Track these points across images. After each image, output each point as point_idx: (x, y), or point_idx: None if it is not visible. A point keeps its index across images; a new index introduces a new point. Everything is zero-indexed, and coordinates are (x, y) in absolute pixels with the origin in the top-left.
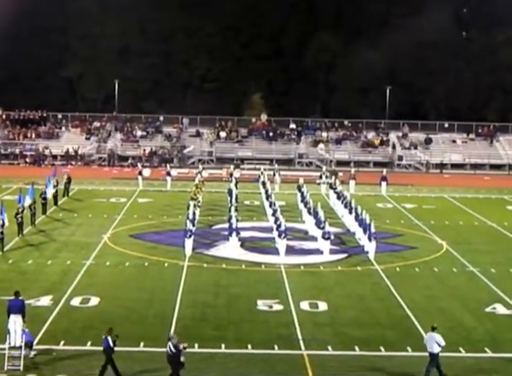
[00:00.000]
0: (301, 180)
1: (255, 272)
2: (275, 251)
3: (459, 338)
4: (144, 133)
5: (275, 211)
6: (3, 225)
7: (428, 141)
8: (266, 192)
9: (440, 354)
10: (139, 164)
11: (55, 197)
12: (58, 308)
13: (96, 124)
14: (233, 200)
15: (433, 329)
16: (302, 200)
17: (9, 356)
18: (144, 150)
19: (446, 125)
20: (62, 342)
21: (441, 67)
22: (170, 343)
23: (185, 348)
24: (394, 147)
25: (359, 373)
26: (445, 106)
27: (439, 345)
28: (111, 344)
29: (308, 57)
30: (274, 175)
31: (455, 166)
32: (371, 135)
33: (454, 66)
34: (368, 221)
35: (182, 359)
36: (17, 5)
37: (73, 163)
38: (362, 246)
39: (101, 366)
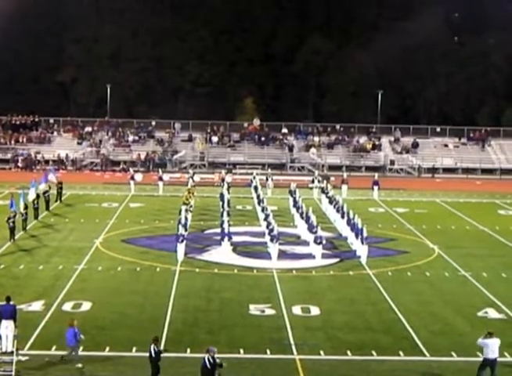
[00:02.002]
0: (293, 185)
1: (247, 276)
2: (268, 256)
3: (451, 343)
4: (136, 138)
5: (267, 216)
6: None
7: (415, 145)
8: (258, 197)
9: (432, 358)
10: (131, 169)
11: (47, 201)
12: (50, 313)
13: (88, 129)
14: (225, 204)
15: (491, 335)
16: (294, 205)
17: (0, 362)
18: (139, 155)
19: (438, 130)
20: (54, 347)
21: (432, 71)
22: (208, 356)
23: (221, 365)
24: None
25: None
26: (437, 110)
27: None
28: (152, 353)
29: (299, 61)
30: (267, 179)
31: (447, 170)
32: (363, 139)
33: (445, 70)
34: (360, 225)
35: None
36: (12, 8)
37: (64, 168)
38: (354, 250)
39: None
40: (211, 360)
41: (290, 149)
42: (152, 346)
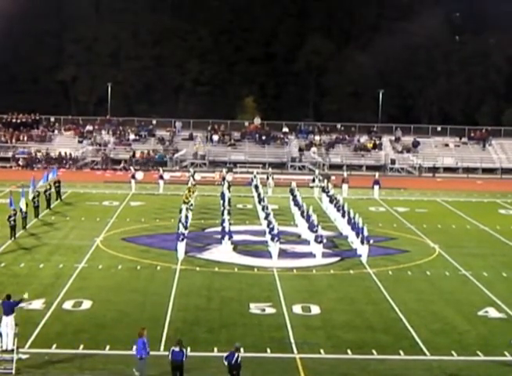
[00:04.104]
0: (294, 184)
1: (248, 275)
2: (268, 255)
3: (451, 342)
4: (137, 137)
5: (267, 215)
6: None
7: (416, 144)
8: (259, 195)
9: (432, 357)
10: (132, 168)
11: (48, 200)
12: (50, 311)
13: (89, 127)
14: (226, 203)
15: None
16: (295, 204)
17: (0, 360)
18: (134, 152)
19: (439, 129)
20: (54, 346)
21: (433, 71)
22: (238, 354)
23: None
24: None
25: None
26: (438, 109)
27: None
28: (177, 356)
29: (300, 61)
30: (267, 178)
31: (447, 170)
32: (364, 138)
33: (446, 70)
34: (361, 224)
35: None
36: (12, 7)
37: (64, 166)
38: (355, 249)
39: None
40: (239, 359)
41: (301, 149)
42: (184, 350)
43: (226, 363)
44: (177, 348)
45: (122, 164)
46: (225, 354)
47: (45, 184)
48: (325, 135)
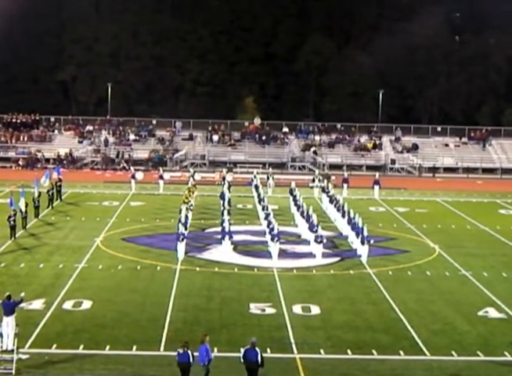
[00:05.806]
0: (294, 184)
1: (248, 275)
2: (268, 255)
3: (451, 342)
4: (137, 137)
5: (267, 215)
6: None
7: (415, 147)
8: (259, 195)
9: (432, 357)
10: (132, 168)
11: (50, 199)
12: (50, 311)
13: (89, 127)
14: (226, 203)
15: None
16: (295, 204)
17: (0, 360)
18: (119, 152)
19: (439, 129)
20: (54, 346)
21: (433, 71)
22: (259, 350)
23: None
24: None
25: None
26: (438, 109)
27: None
28: (191, 358)
29: (300, 61)
30: (268, 178)
31: (447, 170)
32: (364, 138)
33: (446, 70)
34: (361, 224)
35: None
36: (12, 7)
37: (66, 166)
38: (355, 250)
39: None
40: (260, 358)
41: (315, 152)
42: (186, 350)
43: (243, 361)
44: (181, 351)
45: (122, 164)
46: (225, 354)
47: (46, 184)
48: (325, 135)
